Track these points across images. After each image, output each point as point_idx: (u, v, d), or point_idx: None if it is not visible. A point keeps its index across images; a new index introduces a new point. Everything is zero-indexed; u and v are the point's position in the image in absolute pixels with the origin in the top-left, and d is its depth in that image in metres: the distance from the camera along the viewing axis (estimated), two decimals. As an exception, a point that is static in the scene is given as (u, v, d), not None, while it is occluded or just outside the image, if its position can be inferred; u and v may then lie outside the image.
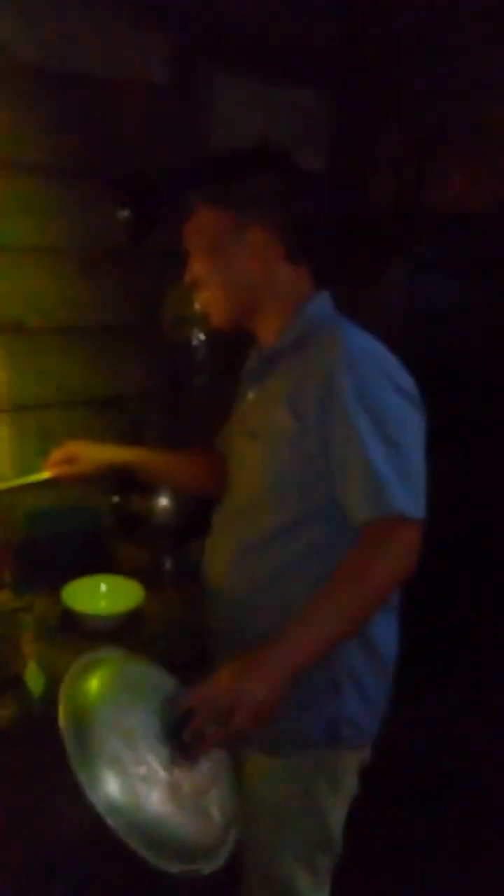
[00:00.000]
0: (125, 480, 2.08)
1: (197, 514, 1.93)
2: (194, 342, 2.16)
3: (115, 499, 2.06)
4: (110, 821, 0.97)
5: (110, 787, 0.99)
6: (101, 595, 1.73)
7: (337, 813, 1.35)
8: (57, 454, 1.56)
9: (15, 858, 1.46)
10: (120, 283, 2.08)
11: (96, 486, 2.07)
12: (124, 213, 1.80)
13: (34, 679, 1.47)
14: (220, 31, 2.10)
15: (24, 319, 1.93)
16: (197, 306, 1.88)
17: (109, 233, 2.01)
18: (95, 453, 1.56)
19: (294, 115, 2.39)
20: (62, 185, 1.94)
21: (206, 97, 2.20)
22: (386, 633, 1.32)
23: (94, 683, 1.10)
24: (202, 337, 2.16)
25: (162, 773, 1.02)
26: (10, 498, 1.89)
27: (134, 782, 1.00)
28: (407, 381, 1.23)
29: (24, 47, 1.81)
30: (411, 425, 1.21)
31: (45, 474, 1.58)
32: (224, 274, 1.32)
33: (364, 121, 2.51)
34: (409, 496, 1.14)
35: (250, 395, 1.40)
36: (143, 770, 1.01)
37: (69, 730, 1.01)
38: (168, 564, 1.94)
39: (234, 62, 2.19)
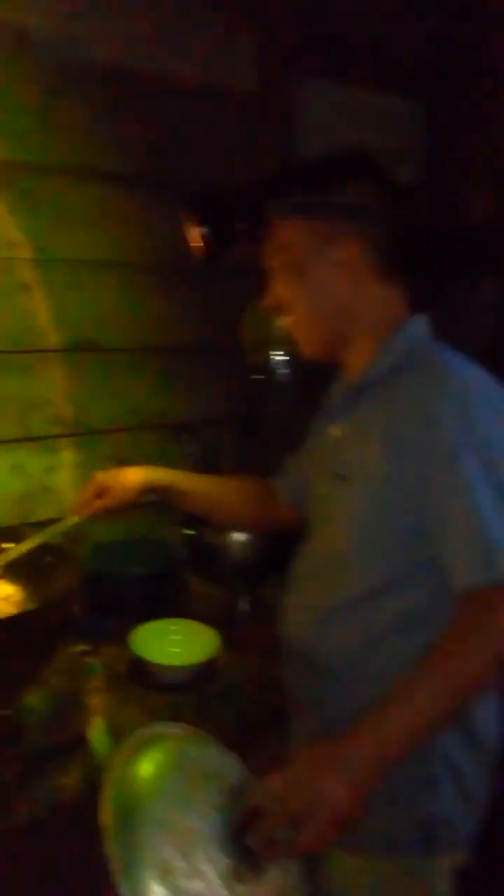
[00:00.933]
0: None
1: (275, 552, 1.78)
2: (274, 365, 2.00)
3: (188, 531, 1.92)
4: None
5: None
6: (173, 641, 1.58)
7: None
8: (85, 492, 1.43)
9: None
10: (198, 301, 1.95)
11: (167, 517, 1.94)
12: (201, 229, 1.65)
13: (100, 739, 1.33)
14: (308, 33, 1.95)
15: (96, 338, 1.81)
16: (278, 328, 1.73)
17: (188, 248, 1.88)
18: (125, 478, 1.41)
19: (385, 123, 2.23)
20: (141, 196, 1.83)
21: (294, 105, 2.05)
22: (489, 718, 1.12)
23: (146, 769, 0.95)
24: (283, 359, 2.00)
25: (220, 889, 0.85)
26: (74, 532, 1.77)
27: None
28: None
29: (105, 49, 1.70)
30: None
31: (74, 518, 1.44)
32: (310, 296, 1.17)
33: (459, 129, 2.31)
34: None
35: (334, 432, 1.23)
36: (197, 886, 0.84)
37: (114, 830, 0.85)
38: (244, 606, 1.77)
39: (323, 67, 2.03)
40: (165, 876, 0.84)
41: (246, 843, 0.88)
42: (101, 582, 1.75)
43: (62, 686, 1.35)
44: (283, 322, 1.24)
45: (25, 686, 1.30)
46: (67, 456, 1.85)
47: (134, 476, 1.41)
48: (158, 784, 0.93)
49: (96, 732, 1.35)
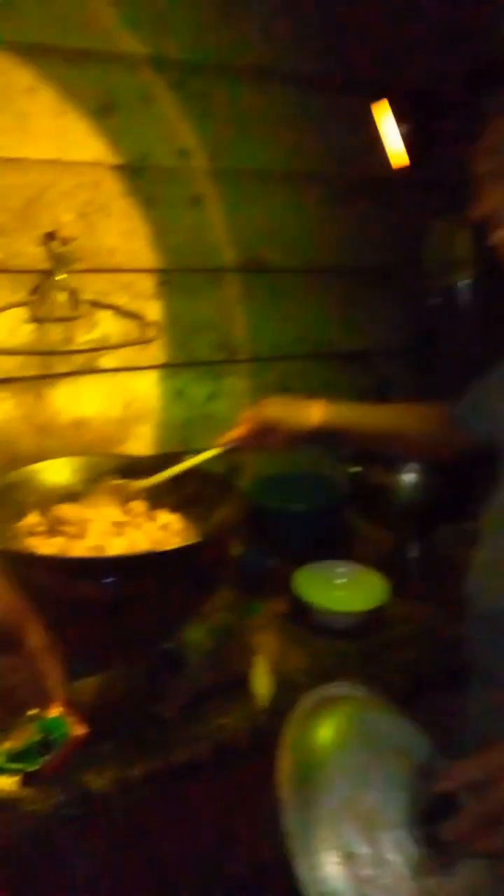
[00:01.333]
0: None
1: (448, 495, 1.63)
2: (457, 290, 1.81)
3: (354, 469, 1.79)
4: None
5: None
6: (339, 585, 1.49)
7: None
8: (248, 424, 1.31)
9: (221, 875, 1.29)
10: (376, 217, 1.79)
11: (330, 451, 1.83)
12: (402, 129, 1.47)
13: (262, 682, 1.27)
14: None
15: (266, 257, 1.69)
16: (464, 249, 1.54)
17: (368, 157, 1.71)
18: (298, 419, 1.28)
19: None
20: (322, 99, 1.66)
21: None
22: None
23: (325, 736, 0.85)
24: (467, 284, 1.80)
25: (408, 882, 0.75)
26: (234, 462, 1.69)
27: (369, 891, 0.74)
28: None
29: None
30: None
31: (219, 449, 1.33)
32: None
33: None
34: None
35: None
36: (381, 875, 0.75)
37: (293, 804, 0.77)
38: (413, 553, 1.65)
39: None
40: (348, 862, 0.75)
41: (436, 833, 0.77)
42: (261, 517, 1.67)
43: (224, 623, 1.28)
44: (493, 237, 1.07)
45: (188, 620, 1.24)
46: (230, 383, 1.77)
47: (308, 417, 1.28)
48: (340, 755, 0.84)
49: (258, 673, 1.28)
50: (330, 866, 0.74)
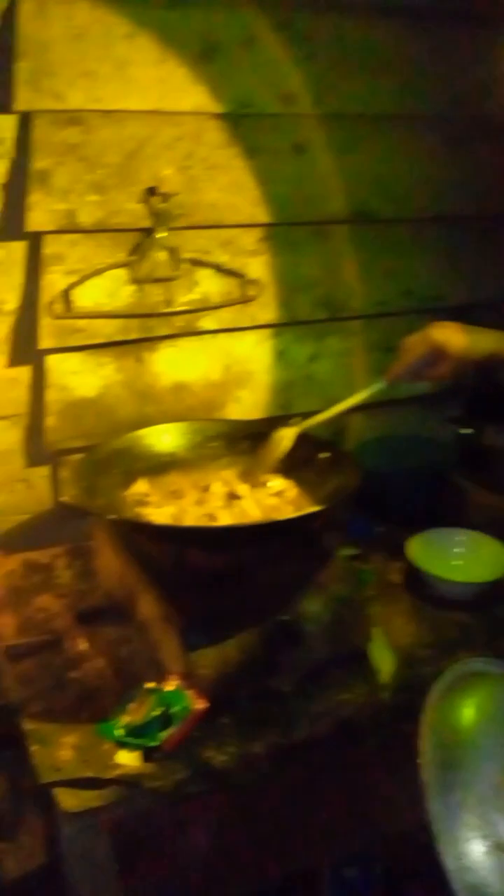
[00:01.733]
0: (479, 405, 1.74)
1: None
2: None
3: (465, 431, 1.71)
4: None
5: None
6: (457, 555, 1.42)
7: None
8: (415, 349, 1.24)
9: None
10: (492, 164, 1.66)
11: (438, 412, 1.75)
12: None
13: (382, 655, 1.22)
14: None
15: (374, 207, 1.60)
16: None
17: (485, 98, 1.59)
18: (467, 346, 1.20)
19: None
20: (435, 34, 1.55)
21: None
22: None
23: (468, 716, 0.80)
24: None
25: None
26: (339, 425, 1.63)
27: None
28: None
29: None
30: None
31: (381, 384, 1.30)
32: None
33: None
34: None
35: None
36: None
37: (435, 787, 0.72)
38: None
39: None
40: (496, 851, 0.70)
41: None
42: (367, 481, 1.60)
43: (340, 593, 1.23)
44: None
45: (304, 591, 1.19)
46: (333, 343, 1.70)
47: (483, 341, 1.20)
48: (486, 736, 0.78)
49: (377, 647, 1.23)
50: (477, 855, 0.69)
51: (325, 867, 1.38)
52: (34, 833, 1.19)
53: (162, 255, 1.44)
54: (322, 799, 1.15)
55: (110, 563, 1.32)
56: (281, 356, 1.65)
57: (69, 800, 0.97)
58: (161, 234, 1.41)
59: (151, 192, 1.39)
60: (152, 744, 1.03)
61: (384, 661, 1.22)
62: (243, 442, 1.43)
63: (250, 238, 1.53)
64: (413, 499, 1.60)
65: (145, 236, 1.42)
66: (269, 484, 1.31)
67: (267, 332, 1.62)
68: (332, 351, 1.70)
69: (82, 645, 1.23)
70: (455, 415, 1.79)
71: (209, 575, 1.17)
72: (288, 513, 1.25)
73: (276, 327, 1.62)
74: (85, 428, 1.48)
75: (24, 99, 1.26)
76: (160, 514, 1.22)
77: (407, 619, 1.33)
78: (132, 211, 1.40)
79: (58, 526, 1.50)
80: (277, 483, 1.32)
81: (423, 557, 1.37)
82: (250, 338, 1.61)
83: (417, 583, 1.38)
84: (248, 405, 1.65)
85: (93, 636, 1.25)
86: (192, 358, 1.56)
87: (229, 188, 1.46)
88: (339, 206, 1.56)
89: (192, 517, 1.20)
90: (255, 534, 1.13)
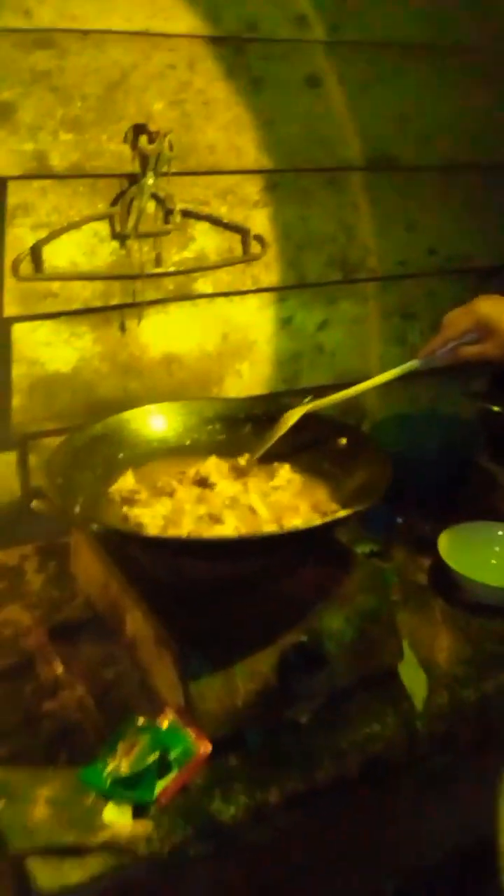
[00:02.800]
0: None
1: None
2: None
3: (493, 408, 1.54)
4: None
5: None
6: (496, 553, 1.26)
7: None
8: (458, 324, 1.09)
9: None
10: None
11: (462, 384, 1.58)
12: None
13: (413, 675, 1.06)
14: None
15: (395, 152, 1.42)
16: None
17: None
18: None
19: None
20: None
21: None
22: None
23: None
24: None
25: None
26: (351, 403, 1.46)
27: None
28: None
29: None
30: None
31: (415, 363, 1.13)
32: None
33: None
34: None
35: None
36: None
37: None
38: None
39: None
40: None
41: None
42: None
43: (365, 605, 1.06)
44: None
45: (323, 604, 1.02)
46: (345, 308, 1.53)
47: None
48: None
49: (408, 665, 1.07)
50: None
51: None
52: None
53: (150, 206, 1.26)
54: (347, 851, 1.00)
55: (90, 565, 1.15)
56: (286, 324, 1.49)
57: (45, 875, 0.81)
58: (149, 181, 1.22)
59: (138, 130, 1.21)
60: (148, 798, 0.86)
61: (416, 682, 1.06)
62: (246, 424, 1.25)
63: (253, 187, 1.36)
64: (434, 485, 1.43)
65: (130, 183, 1.24)
66: (276, 474, 1.14)
67: (271, 296, 1.46)
68: (345, 317, 1.53)
69: (58, 668, 1.06)
70: (479, 389, 1.62)
71: (212, 587, 1.00)
72: (300, 507, 1.07)
73: (282, 290, 1.46)
74: (58, 408, 1.32)
75: (-18, 14, 1.07)
76: (152, 514, 1.04)
77: (438, 629, 1.17)
78: (115, 153, 1.22)
79: (27, 521, 1.32)
80: (284, 473, 1.15)
81: (456, 556, 1.21)
82: (252, 303, 1.44)
83: (448, 585, 1.22)
84: (248, 379, 1.48)
85: (70, 656, 1.08)
86: (184, 326, 1.40)
87: (230, 127, 1.29)
88: (357, 150, 1.40)
89: (190, 518, 1.03)
90: (262, 545, 0.95)
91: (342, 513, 0.93)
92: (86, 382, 1.33)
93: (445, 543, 1.25)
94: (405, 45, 1.37)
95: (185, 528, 1.01)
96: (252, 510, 1.07)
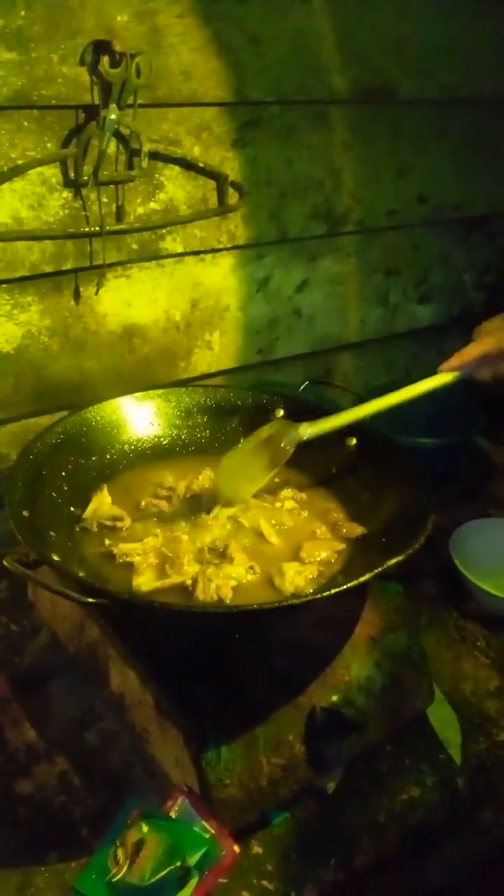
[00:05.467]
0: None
1: None
2: None
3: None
4: None
5: None
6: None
7: None
8: (493, 334, 0.93)
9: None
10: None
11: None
12: None
13: (443, 716, 0.93)
14: None
15: (391, 81, 1.20)
16: None
17: None
18: None
19: None
20: None
21: None
22: None
23: None
24: None
25: None
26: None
27: None
28: None
29: None
30: None
31: (448, 376, 0.95)
32: None
33: None
34: None
35: None
36: None
37: None
38: None
39: None
40: None
41: None
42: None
43: (395, 646, 0.91)
44: None
45: (349, 649, 0.87)
46: (326, 266, 1.34)
47: None
48: None
49: (439, 710, 0.94)
50: None
51: None
52: None
53: (111, 147, 1.01)
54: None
55: (58, 598, 0.95)
56: (262, 285, 1.29)
57: None
58: (111, 115, 0.97)
59: (98, 49, 0.94)
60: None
61: (449, 726, 0.94)
62: (233, 418, 1.06)
63: (232, 122, 1.13)
64: (430, 471, 1.28)
65: (88, 118, 0.99)
66: (281, 494, 0.97)
67: (247, 253, 1.25)
68: (325, 276, 1.35)
69: (28, 733, 0.88)
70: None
71: (221, 641, 0.83)
72: (317, 531, 0.91)
73: (260, 247, 1.25)
74: (0, 394, 1.09)
75: None
76: (143, 549, 0.85)
77: (456, 652, 1.06)
78: (69, 78, 0.96)
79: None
80: (286, 490, 0.98)
81: (474, 563, 1.08)
82: (225, 262, 1.23)
83: (464, 597, 1.10)
84: (219, 352, 1.29)
85: (42, 714, 0.90)
86: (148, 292, 1.18)
87: (207, 48, 1.05)
88: (350, 78, 1.19)
89: (190, 555, 0.84)
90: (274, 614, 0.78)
91: (392, 560, 0.77)
92: (32, 362, 1.10)
93: (458, 544, 1.12)
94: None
95: (188, 569, 0.83)
96: (259, 534, 0.90)
